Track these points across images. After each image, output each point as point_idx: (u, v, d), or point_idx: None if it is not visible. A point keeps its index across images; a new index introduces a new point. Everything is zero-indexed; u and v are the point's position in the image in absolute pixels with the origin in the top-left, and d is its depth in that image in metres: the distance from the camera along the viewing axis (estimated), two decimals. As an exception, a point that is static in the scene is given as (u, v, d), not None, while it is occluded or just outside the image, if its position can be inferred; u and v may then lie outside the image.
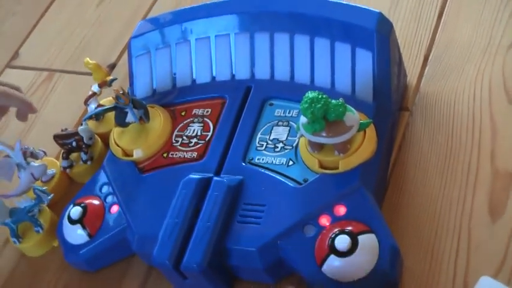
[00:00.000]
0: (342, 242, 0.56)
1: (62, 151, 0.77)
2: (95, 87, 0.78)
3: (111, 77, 0.78)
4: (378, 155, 0.62)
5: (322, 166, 0.62)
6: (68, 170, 0.76)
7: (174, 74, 0.74)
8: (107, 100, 0.79)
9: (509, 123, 0.66)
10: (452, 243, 0.59)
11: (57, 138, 0.76)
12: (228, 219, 0.61)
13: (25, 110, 0.74)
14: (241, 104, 0.70)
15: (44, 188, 0.73)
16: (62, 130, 0.76)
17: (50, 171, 0.76)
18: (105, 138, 0.76)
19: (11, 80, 0.76)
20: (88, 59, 0.79)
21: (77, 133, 0.75)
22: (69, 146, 0.75)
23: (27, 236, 0.73)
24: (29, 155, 0.73)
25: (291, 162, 0.64)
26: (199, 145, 0.68)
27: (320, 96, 0.58)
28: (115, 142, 0.71)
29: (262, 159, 0.65)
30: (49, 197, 0.72)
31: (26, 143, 0.84)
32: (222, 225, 0.61)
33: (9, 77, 0.96)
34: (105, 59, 0.91)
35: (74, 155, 0.77)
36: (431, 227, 0.61)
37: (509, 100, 0.67)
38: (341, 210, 0.59)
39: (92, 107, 0.78)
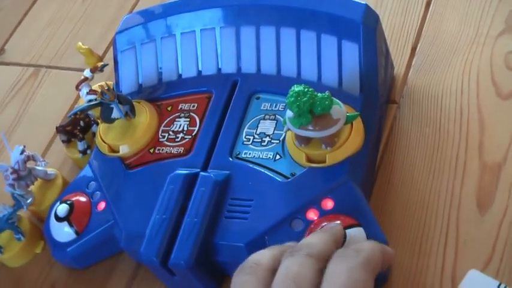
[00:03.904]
0: (330, 236, 0.56)
1: (78, 136, 0.76)
2: (86, 72, 0.77)
3: (102, 63, 0.77)
4: (365, 148, 0.62)
5: (309, 160, 0.61)
6: (88, 151, 0.75)
7: (160, 68, 0.74)
8: (98, 85, 0.78)
9: (497, 116, 0.65)
10: (441, 237, 0.59)
11: (63, 127, 0.75)
12: (216, 215, 0.61)
13: None
14: (228, 98, 0.69)
15: (23, 193, 0.71)
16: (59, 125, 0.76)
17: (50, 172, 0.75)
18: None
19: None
20: (80, 43, 0.79)
21: (79, 115, 0.75)
22: (79, 128, 0.75)
23: (8, 246, 0.71)
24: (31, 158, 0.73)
25: (278, 157, 0.63)
26: (186, 140, 0.68)
27: (306, 90, 0.57)
28: (101, 138, 0.71)
29: (249, 153, 0.64)
30: (28, 201, 0.71)
31: (13, 139, 0.85)
32: (210, 220, 0.60)
33: (-5, 73, 0.95)
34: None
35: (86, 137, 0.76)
36: (420, 220, 0.61)
37: (497, 92, 0.67)
38: (329, 204, 0.59)
39: (84, 91, 0.77)
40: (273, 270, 0.48)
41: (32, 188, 0.73)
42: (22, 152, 0.71)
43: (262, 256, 0.50)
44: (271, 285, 0.47)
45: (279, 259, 0.49)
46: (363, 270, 0.46)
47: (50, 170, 0.75)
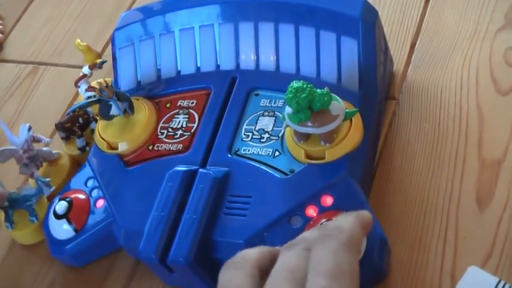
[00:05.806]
0: (329, 233, 0.55)
1: (76, 133, 0.76)
2: (85, 69, 0.77)
3: (101, 59, 0.77)
4: (364, 144, 0.62)
5: (308, 156, 0.61)
6: (87, 148, 0.75)
7: (159, 65, 0.73)
8: (97, 82, 0.78)
9: (496, 112, 0.65)
10: (440, 233, 0.59)
11: (61, 124, 0.75)
12: (214, 212, 0.61)
13: None
14: (227, 94, 0.69)
15: (47, 180, 0.72)
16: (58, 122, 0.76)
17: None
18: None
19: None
20: (79, 40, 0.79)
21: (78, 112, 0.75)
22: (78, 125, 0.75)
23: (21, 223, 0.72)
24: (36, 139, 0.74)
25: (277, 153, 0.63)
26: (185, 137, 0.68)
27: (305, 86, 0.57)
28: (100, 135, 0.70)
29: (248, 150, 0.64)
30: (51, 190, 0.72)
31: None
32: (208, 217, 0.60)
33: (-6, 71, 0.95)
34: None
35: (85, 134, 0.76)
36: (419, 216, 0.61)
37: (496, 88, 0.67)
38: (328, 200, 0.59)
39: (83, 88, 0.77)
40: (261, 265, 0.48)
41: (37, 172, 0.74)
42: (29, 129, 0.72)
43: (250, 252, 0.49)
44: (264, 279, 0.46)
45: (267, 255, 0.49)
46: (347, 252, 0.45)
47: (53, 151, 0.76)
